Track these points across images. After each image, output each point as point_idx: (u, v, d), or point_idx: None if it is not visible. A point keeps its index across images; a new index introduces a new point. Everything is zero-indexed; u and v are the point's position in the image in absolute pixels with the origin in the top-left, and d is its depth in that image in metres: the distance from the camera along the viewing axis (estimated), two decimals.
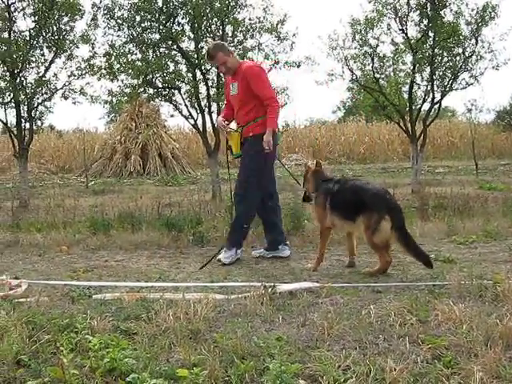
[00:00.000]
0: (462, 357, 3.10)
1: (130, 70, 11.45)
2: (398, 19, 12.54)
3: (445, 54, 12.70)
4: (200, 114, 12.01)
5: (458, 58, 12.61)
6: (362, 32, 12.65)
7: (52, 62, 11.70)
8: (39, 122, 12.39)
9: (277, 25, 11.79)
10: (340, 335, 3.47)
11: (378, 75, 13.02)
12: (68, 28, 11.62)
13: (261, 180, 6.15)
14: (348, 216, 5.37)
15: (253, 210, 6.25)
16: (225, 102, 6.75)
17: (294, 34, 11.90)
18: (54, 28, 11.48)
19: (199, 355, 3.15)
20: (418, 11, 12.51)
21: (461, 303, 3.91)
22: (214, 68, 11.46)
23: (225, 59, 6.09)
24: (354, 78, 13.27)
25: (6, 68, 11.46)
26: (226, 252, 6.04)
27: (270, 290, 4.34)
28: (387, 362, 2.96)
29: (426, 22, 12.46)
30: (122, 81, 11.84)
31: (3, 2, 11.43)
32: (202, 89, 11.88)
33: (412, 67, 12.82)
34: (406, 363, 2.98)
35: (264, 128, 5.94)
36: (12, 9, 11.45)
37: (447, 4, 12.37)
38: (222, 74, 11.42)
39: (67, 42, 11.61)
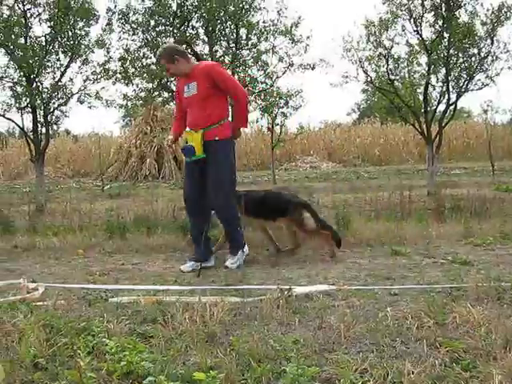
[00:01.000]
0: (480, 360, 3.07)
1: (145, 74, 11.53)
2: (412, 20, 12.50)
3: (460, 54, 12.62)
4: None
5: (473, 58, 12.54)
6: (377, 33, 12.62)
7: (67, 66, 11.78)
8: (55, 127, 12.51)
9: (291, 27, 11.82)
10: (357, 338, 3.45)
11: (392, 77, 12.99)
12: (83, 33, 11.69)
13: (235, 181, 6.07)
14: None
15: (237, 210, 6.13)
16: (174, 116, 6.55)
17: (308, 37, 11.95)
18: (70, 33, 11.55)
19: (215, 358, 3.15)
20: (433, 12, 12.46)
21: (479, 306, 3.87)
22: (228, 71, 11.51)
23: (168, 66, 5.98)
24: (369, 79, 13.25)
25: (22, 73, 11.56)
26: (232, 258, 5.95)
27: (286, 292, 4.32)
28: (405, 365, 2.94)
29: (440, 22, 12.40)
30: (137, 85, 11.93)
31: (19, 8, 11.53)
32: None
33: (427, 68, 12.77)
34: (423, 366, 2.95)
35: (229, 131, 5.91)
36: (28, 15, 11.56)
37: (462, 4, 12.31)
38: (236, 77, 11.49)
39: (82, 46, 11.68)
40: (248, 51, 11.88)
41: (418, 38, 12.71)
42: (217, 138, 5.83)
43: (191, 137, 5.88)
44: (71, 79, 11.88)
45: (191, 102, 5.94)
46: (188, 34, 11.74)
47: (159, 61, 6.21)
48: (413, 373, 2.86)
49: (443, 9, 12.32)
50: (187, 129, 5.98)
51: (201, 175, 5.95)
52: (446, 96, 12.90)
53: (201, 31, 11.89)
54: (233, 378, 2.91)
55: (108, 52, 11.85)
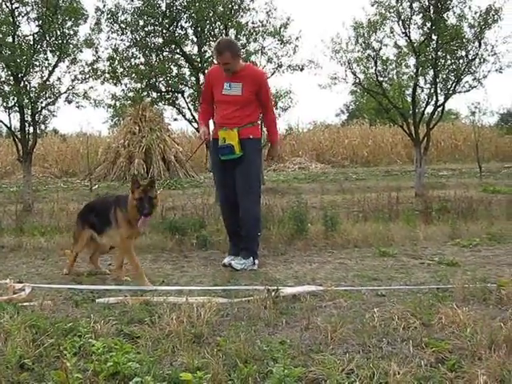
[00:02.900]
0: (465, 360, 3.09)
1: (134, 74, 11.50)
2: (400, 22, 12.57)
3: (448, 56, 12.71)
4: None
5: (461, 60, 12.63)
6: (365, 35, 12.68)
7: (56, 66, 11.72)
8: (43, 126, 12.39)
9: (280, 28, 11.84)
10: (343, 339, 3.46)
11: (381, 78, 13.05)
12: (71, 32, 11.63)
13: (260, 182, 6.13)
14: None
15: (260, 214, 6.20)
16: (201, 102, 6.53)
17: (297, 38, 11.97)
18: (58, 32, 11.49)
19: (202, 359, 3.15)
20: (421, 14, 12.54)
21: (465, 306, 3.90)
22: None
23: (230, 60, 5.88)
24: (357, 81, 13.30)
25: (9, 72, 11.49)
26: (240, 259, 5.87)
27: (273, 293, 4.33)
28: (391, 366, 2.95)
29: (429, 25, 12.48)
30: (126, 85, 11.90)
31: (7, 7, 11.47)
32: None
33: (415, 70, 12.84)
34: (409, 367, 2.97)
35: (259, 132, 6.05)
36: (16, 13, 11.49)
37: (450, 7, 12.39)
38: None
39: (71, 46, 11.62)
40: None
41: (407, 40, 12.79)
42: (251, 137, 5.93)
43: (228, 135, 5.89)
44: (59, 78, 11.83)
45: (229, 101, 5.96)
46: (177, 35, 11.72)
47: (221, 52, 5.85)
48: (399, 373, 2.88)
49: (431, 11, 12.39)
50: (222, 128, 5.97)
51: (231, 176, 6.00)
52: (434, 98, 12.99)
53: (190, 31, 11.88)
54: (219, 378, 2.92)
55: (96, 52, 11.81)
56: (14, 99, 11.49)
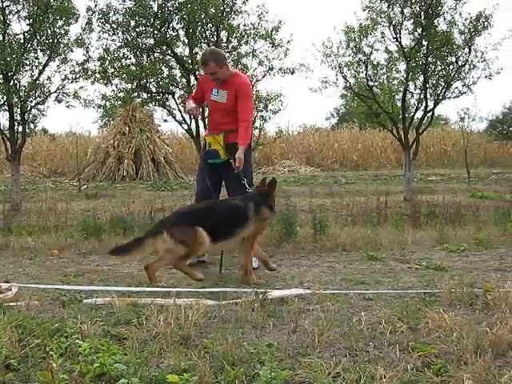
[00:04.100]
0: (451, 365, 3.11)
1: (124, 75, 11.44)
2: (391, 27, 12.62)
3: (438, 62, 12.78)
4: (193, 120, 11.99)
5: (451, 66, 12.71)
6: (356, 40, 12.72)
7: (46, 65, 11.67)
8: (32, 125, 12.35)
9: (271, 31, 11.81)
10: (330, 342, 3.47)
11: (371, 83, 13.10)
12: (62, 32, 11.58)
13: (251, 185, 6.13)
14: None
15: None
16: (192, 95, 6.71)
17: (288, 41, 11.92)
18: (49, 31, 11.45)
19: (189, 361, 3.14)
20: (412, 20, 12.60)
21: (451, 311, 3.92)
22: None
23: (216, 70, 6.02)
24: (348, 85, 13.33)
25: None
26: None
27: (261, 296, 4.34)
28: (377, 370, 2.97)
29: (419, 30, 12.54)
30: (116, 85, 11.83)
31: None
32: None
33: (405, 75, 12.90)
34: (395, 371, 2.98)
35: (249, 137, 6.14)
36: (6, 11, 11.43)
37: (441, 13, 12.45)
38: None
39: (61, 45, 11.57)
40: (228, 54, 11.86)
41: (397, 45, 12.85)
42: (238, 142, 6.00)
43: (214, 140, 6.10)
44: (49, 78, 11.77)
45: (216, 107, 6.20)
46: (168, 36, 11.68)
47: (206, 62, 6.02)
48: (385, 377, 2.89)
49: (422, 17, 12.44)
50: (208, 133, 6.24)
51: (216, 179, 6.14)
52: (424, 103, 13.06)
53: (181, 33, 11.83)
54: (206, 380, 2.92)
55: (87, 51, 11.75)
56: (3, 98, 11.43)
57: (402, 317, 3.85)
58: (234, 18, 11.86)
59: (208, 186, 6.04)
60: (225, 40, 11.80)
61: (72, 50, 11.79)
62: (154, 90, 11.92)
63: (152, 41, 11.75)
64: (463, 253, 6.70)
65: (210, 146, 6.18)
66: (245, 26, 11.89)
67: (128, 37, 11.60)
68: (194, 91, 6.93)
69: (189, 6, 11.17)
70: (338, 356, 3.25)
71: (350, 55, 12.91)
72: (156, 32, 11.57)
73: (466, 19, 12.33)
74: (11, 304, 4.32)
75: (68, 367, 3.06)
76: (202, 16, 11.37)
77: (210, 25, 11.58)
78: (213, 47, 6.67)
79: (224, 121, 6.11)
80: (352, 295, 4.66)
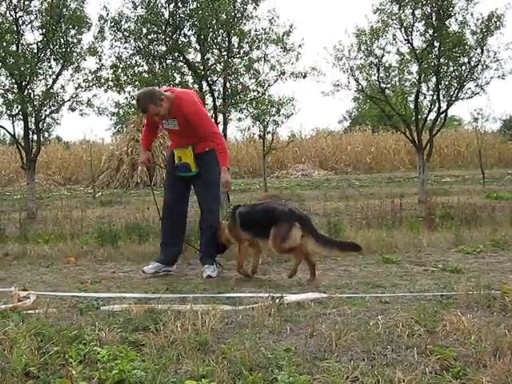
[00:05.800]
0: (470, 368, 3.09)
1: (137, 82, 11.51)
2: (403, 29, 12.62)
3: (450, 63, 12.74)
4: None
5: (463, 67, 12.66)
6: (368, 42, 12.72)
7: (59, 74, 11.80)
8: (46, 134, 12.54)
9: (283, 36, 11.83)
10: (348, 346, 3.46)
11: (383, 85, 13.09)
12: (75, 40, 11.72)
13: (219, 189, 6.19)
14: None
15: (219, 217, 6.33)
16: (144, 123, 6.65)
17: (299, 45, 11.93)
18: (62, 41, 11.58)
19: (207, 367, 3.15)
20: (423, 21, 12.59)
21: (469, 313, 3.89)
22: (220, 79, 11.55)
23: (157, 110, 5.85)
24: (360, 88, 13.33)
25: (13, 80, 11.57)
26: (209, 267, 6.00)
27: (277, 300, 4.34)
28: (395, 373, 2.95)
29: (431, 31, 12.53)
30: (129, 92, 11.91)
31: (11, 16, 11.54)
32: (209, 100, 11.91)
33: (418, 77, 12.87)
34: (414, 374, 2.97)
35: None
36: (20, 22, 11.56)
37: (452, 14, 12.43)
38: (228, 85, 11.53)
39: (74, 54, 11.71)
40: (240, 59, 11.89)
41: (409, 47, 12.84)
42: (207, 149, 6.02)
43: (184, 154, 6.07)
44: (63, 87, 11.92)
45: (172, 131, 6.18)
46: (180, 42, 11.74)
47: (146, 109, 5.87)
48: (404, 381, 2.88)
49: (434, 18, 12.43)
50: (176, 147, 6.17)
51: (184, 185, 6.20)
52: (437, 104, 13.03)
53: (193, 39, 11.88)
54: None
55: (100, 60, 11.87)
56: (17, 107, 11.56)
57: (420, 320, 3.83)
58: (245, 24, 11.89)
59: (176, 197, 6.19)
60: (236, 45, 11.83)
61: (85, 59, 11.95)
62: None
63: (164, 48, 11.80)
64: (479, 254, 6.66)
65: (180, 159, 6.12)
66: (256, 31, 11.92)
67: (140, 44, 11.66)
68: (144, 120, 6.79)
69: (200, 12, 11.21)
70: (356, 360, 3.24)
71: (361, 58, 12.94)
72: (168, 39, 11.62)
73: (477, 19, 12.33)
74: (30, 312, 4.35)
75: (87, 374, 3.07)
76: (214, 22, 11.41)
77: (221, 31, 11.62)
78: (142, 89, 6.27)
79: (185, 139, 6.05)
80: (368, 299, 4.64)
